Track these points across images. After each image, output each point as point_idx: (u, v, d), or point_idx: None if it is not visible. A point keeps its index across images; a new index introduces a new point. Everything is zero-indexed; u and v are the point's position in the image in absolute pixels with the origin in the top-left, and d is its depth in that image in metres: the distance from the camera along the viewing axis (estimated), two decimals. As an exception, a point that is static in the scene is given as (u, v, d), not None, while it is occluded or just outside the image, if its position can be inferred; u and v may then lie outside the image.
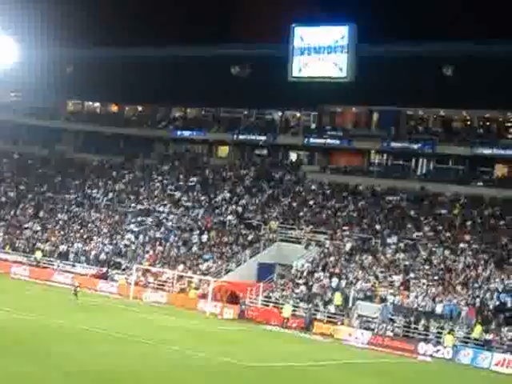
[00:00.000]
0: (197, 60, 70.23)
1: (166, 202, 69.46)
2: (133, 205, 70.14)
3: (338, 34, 65.06)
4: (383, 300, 51.20)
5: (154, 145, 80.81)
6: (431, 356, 46.12)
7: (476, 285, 50.76)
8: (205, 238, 62.50)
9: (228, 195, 68.33)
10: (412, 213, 60.66)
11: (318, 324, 50.67)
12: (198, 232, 63.43)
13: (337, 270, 54.97)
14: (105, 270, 61.02)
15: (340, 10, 60.79)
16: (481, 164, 63.75)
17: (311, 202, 65.19)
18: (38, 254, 64.40)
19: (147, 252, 62.50)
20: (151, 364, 32.73)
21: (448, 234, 56.87)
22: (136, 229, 65.79)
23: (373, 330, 49.48)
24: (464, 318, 48.48)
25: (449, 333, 46.79)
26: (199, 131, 76.49)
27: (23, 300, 48.53)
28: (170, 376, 31.02)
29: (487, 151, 62.18)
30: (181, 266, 58.99)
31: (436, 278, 52.22)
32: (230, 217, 64.77)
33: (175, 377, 31.06)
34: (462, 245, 55.14)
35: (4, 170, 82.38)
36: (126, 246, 64.11)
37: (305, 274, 55.74)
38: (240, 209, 65.94)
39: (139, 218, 67.42)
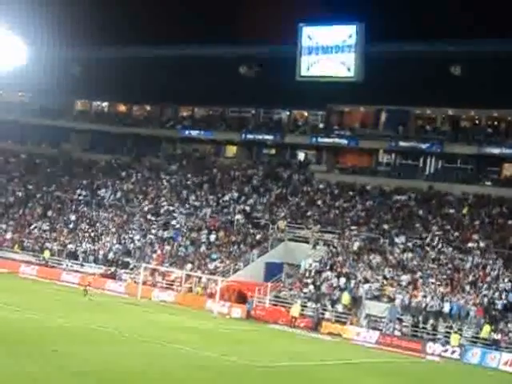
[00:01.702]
0: (205, 59, 70.23)
1: (173, 202, 69.51)
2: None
3: (345, 33, 64.88)
4: (391, 300, 51.20)
5: (162, 144, 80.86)
6: (439, 356, 46.09)
7: (484, 284, 50.70)
8: (213, 237, 62.54)
9: (236, 195, 68.36)
10: (420, 212, 60.60)
11: (326, 323, 50.69)
12: (206, 231, 63.48)
13: (345, 270, 54.95)
14: (112, 269, 61.09)
15: (348, 9, 60.63)
16: (489, 163, 63.61)
17: (319, 202, 65.17)
18: (47, 254, 64.56)
19: (155, 251, 62.58)
20: (157, 364, 32.76)
21: (456, 234, 56.80)
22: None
23: (381, 329, 49.49)
24: (472, 317, 48.45)
25: (455, 332, 46.77)
26: (207, 131, 76.46)
27: (31, 299, 48.63)
28: (175, 376, 31.05)
29: (495, 150, 62.00)
30: (189, 266, 59.05)
31: (444, 277, 52.19)
32: (237, 216, 64.79)
33: (181, 376, 31.08)
34: (470, 244, 55.09)
35: (12, 169, 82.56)
36: (133, 244, 64.22)
37: (313, 273, 55.74)
38: (248, 208, 65.98)
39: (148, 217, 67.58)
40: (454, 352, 46.02)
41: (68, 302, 50.60)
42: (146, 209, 69.39)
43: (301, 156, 73.89)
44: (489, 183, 62.46)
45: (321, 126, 73.04)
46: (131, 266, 61.43)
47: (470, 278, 51.59)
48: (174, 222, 66.21)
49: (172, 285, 58.23)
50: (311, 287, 54.15)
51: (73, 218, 70.68)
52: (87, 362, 30.50)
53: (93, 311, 46.59)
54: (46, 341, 34.46)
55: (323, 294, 53.40)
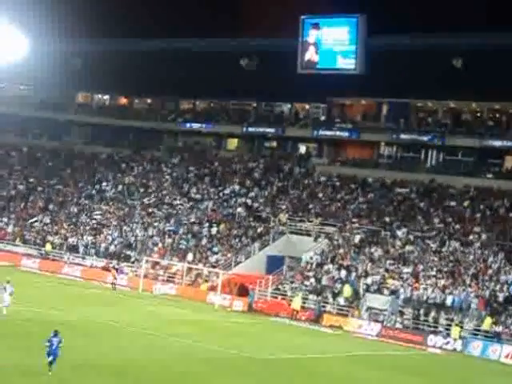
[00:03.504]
0: (206, 52, 70.17)
1: (175, 195, 69.49)
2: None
3: (347, 26, 64.86)
4: (393, 292, 51.17)
5: (163, 137, 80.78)
6: (441, 348, 46.11)
7: (486, 277, 50.68)
8: (214, 230, 62.51)
9: (237, 188, 68.30)
10: (421, 205, 60.55)
11: (328, 316, 50.71)
12: (207, 224, 63.45)
13: (346, 263, 54.93)
14: (114, 262, 61.09)
15: (349, 1, 60.62)
16: (490, 156, 63.47)
17: (320, 195, 65.13)
18: (48, 247, 64.55)
19: (156, 244, 62.56)
20: (158, 356, 32.82)
21: (457, 226, 56.74)
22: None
23: (382, 322, 49.49)
24: (474, 310, 48.43)
25: (456, 325, 46.77)
26: (208, 124, 76.39)
27: (32, 292, 48.59)
28: (176, 368, 31.15)
29: (497, 143, 61.95)
30: (190, 255, 59.05)
31: (446, 269, 52.16)
32: (239, 209, 64.76)
33: (182, 369, 31.18)
34: (471, 237, 55.05)
35: (13, 163, 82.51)
36: (135, 237, 64.24)
37: (314, 266, 55.73)
38: (249, 201, 65.93)
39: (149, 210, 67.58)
40: (455, 344, 46.02)
41: (69, 295, 50.60)
42: (147, 202, 69.33)
43: (302, 149, 73.76)
44: (490, 176, 62.33)
45: (322, 118, 72.96)
46: (132, 259, 61.43)
47: (472, 270, 51.56)
48: (175, 215, 66.17)
49: (173, 278, 58.23)
50: (312, 280, 54.15)
51: (74, 211, 70.67)
52: (88, 355, 30.55)
53: (94, 304, 46.60)
54: (46, 333, 34.46)
55: (324, 286, 53.40)
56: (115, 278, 55.82)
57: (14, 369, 26.73)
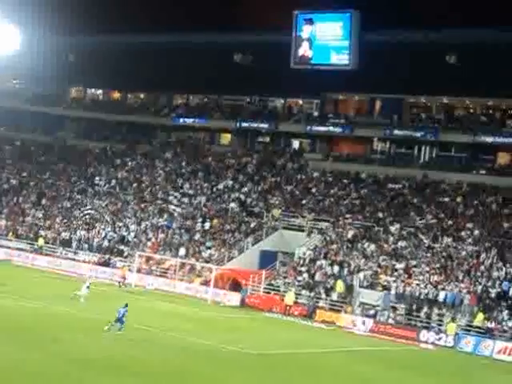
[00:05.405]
0: (199, 47, 70.08)
1: (168, 190, 69.44)
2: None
3: (341, 21, 64.83)
4: (385, 288, 51.27)
5: (157, 132, 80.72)
6: (433, 344, 46.23)
7: (478, 273, 50.81)
8: (207, 225, 62.52)
9: (230, 183, 68.30)
10: (414, 201, 60.63)
11: (321, 312, 50.77)
12: (200, 220, 63.45)
13: (339, 258, 55.02)
14: (107, 257, 61.10)
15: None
16: (483, 152, 63.60)
17: (313, 190, 65.16)
18: (41, 242, 64.47)
19: (149, 239, 62.55)
20: (154, 351, 32.84)
21: (450, 222, 56.85)
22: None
23: (375, 317, 49.57)
24: (466, 305, 48.57)
25: (452, 321, 46.88)
26: (202, 118, 76.32)
27: (27, 287, 48.56)
28: (172, 363, 31.18)
29: (490, 139, 61.99)
30: (182, 250, 59.06)
31: (438, 265, 52.27)
32: (232, 204, 64.78)
33: (177, 364, 31.22)
34: (464, 233, 55.16)
35: (6, 157, 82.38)
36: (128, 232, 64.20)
37: (307, 261, 55.80)
38: (242, 196, 65.95)
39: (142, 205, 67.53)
40: (447, 340, 46.15)
41: (63, 290, 50.51)
42: (140, 196, 69.28)
43: (295, 144, 73.80)
44: (483, 172, 62.41)
45: (315, 114, 72.95)
46: (125, 254, 61.40)
47: (464, 266, 51.68)
48: (168, 210, 66.12)
49: (166, 272, 58.24)
50: (305, 275, 54.22)
51: (67, 205, 70.58)
52: (84, 350, 30.58)
53: (88, 299, 46.50)
54: (44, 329, 34.50)
55: (317, 282, 53.47)
56: (125, 278, 55.61)
57: (13, 364, 26.71)
